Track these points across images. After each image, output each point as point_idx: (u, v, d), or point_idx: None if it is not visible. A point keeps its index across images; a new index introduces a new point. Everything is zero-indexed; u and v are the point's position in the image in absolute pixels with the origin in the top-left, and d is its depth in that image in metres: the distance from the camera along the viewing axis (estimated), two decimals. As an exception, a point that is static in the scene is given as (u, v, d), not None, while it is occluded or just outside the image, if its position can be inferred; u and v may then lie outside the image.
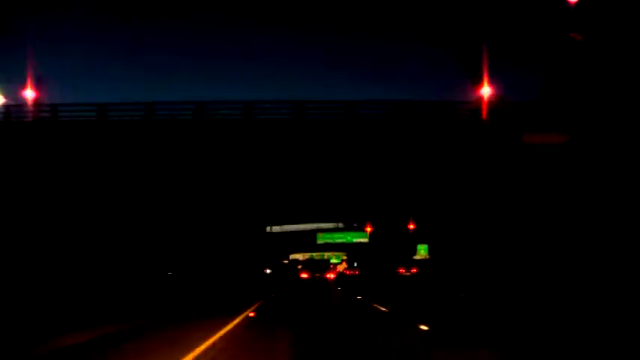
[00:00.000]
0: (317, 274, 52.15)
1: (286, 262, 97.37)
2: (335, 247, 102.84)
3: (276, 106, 30.31)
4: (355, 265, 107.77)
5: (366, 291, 37.84)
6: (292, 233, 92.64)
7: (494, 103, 29.34)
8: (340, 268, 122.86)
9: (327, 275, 53.79)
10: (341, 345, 12.90)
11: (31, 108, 29.68)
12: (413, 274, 68.30)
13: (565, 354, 10.03)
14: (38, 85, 29.67)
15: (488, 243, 38.23)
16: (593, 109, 28.65)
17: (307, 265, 60.85)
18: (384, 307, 23.15)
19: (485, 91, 28.90)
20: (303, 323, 17.89)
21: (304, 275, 52.27)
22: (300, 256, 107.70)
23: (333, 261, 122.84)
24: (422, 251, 66.09)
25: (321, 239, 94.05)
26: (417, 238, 66.00)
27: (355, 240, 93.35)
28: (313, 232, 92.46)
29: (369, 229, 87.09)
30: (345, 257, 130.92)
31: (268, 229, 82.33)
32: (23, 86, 29.30)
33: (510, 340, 12.77)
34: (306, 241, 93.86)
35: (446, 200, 41.25)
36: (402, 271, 72.43)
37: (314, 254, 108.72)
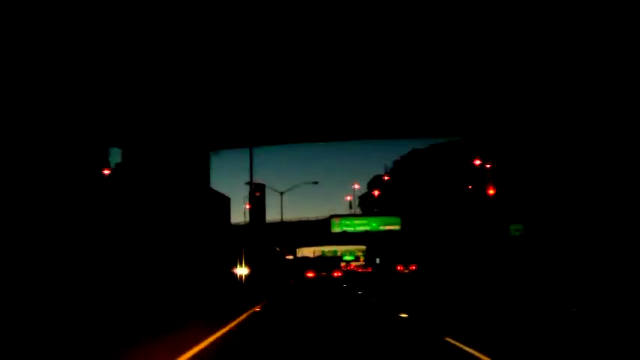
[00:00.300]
0: (323, 273, 53.62)
1: (290, 257, 78.70)
2: (355, 237, 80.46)
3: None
4: (377, 261, 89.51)
5: (369, 288, 40.20)
6: (300, 223, 76.65)
7: None
8: (354, 265, 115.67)
9: (334, 274, 55.28)
10: (331, 324, 15.75)
11: None
12: (411, 271, 68.93)
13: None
14: None
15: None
16: None
17: (313, 263, 61.27)
18: (375, 300, 26.06)
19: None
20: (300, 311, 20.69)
21: (310, 274, 53.34)
22: (310, 252, 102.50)
23: (347, 258, 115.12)
24: (516, 232, 47.57)
25: (337, 227, 73.84)
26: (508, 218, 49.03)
27: (383, 227, 72.84)
28: (327, 221, 74.99)
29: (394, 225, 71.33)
30: (360, 253, 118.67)
31: (269, 219, 66.93)
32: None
33: (468, 330, 15.27)
34: (319, 232, 76.25)
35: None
36: (400, 268, 73.02)
37: (325, 249, 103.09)
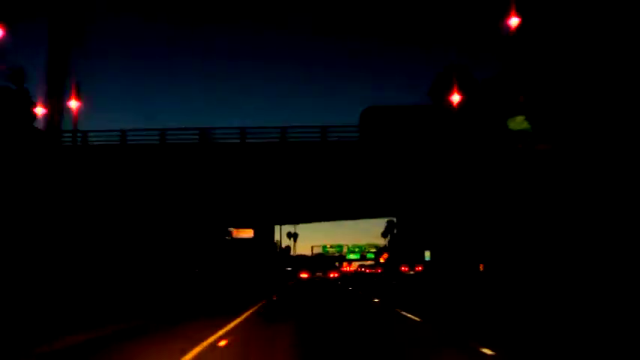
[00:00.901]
0: (318, 274, 56.26)
1: (248, 234, 49.17)
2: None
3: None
4: (427, 256, 72.71)
5: (365, 285, 45.16)
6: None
7: None
8: (356, 265, 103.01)
9: (330, 274, 58.04)
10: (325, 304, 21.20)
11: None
12: (417, 273, 68.54)
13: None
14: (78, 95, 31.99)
15: None
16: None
17: (307, 263, 64.00)
18: (363, 292, 31.73)
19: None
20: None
21: (304, 275, 55.40)
22: (308, 247, 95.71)
23: (350, 257, 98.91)
24: None
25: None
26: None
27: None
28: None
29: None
30: (373, 249, 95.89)
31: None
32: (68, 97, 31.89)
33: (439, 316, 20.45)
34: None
35: None
36: (405, 269, 72.94)
37: (327, 246, 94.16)
